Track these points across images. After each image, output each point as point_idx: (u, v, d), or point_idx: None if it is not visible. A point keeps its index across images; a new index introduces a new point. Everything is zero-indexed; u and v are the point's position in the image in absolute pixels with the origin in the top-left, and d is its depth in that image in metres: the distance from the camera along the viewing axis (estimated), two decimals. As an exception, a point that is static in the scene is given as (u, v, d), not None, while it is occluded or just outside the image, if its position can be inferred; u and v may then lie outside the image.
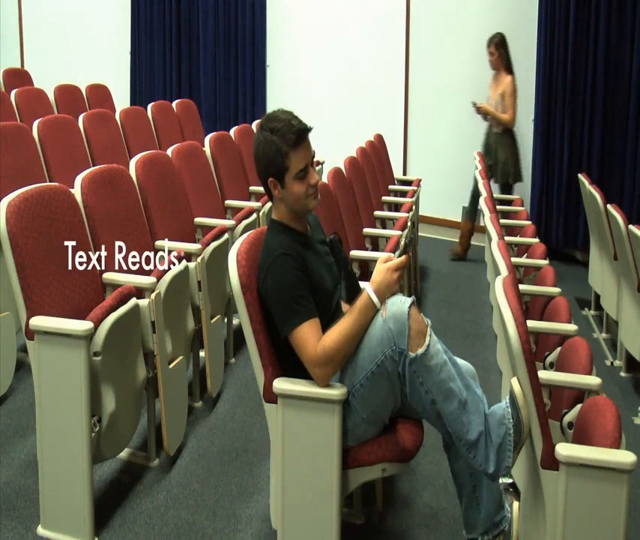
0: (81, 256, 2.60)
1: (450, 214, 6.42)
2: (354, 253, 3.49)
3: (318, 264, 2.15)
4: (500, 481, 2.62)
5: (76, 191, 2.80)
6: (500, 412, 2.04)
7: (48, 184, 3.10)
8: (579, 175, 4.94)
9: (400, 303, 2.01)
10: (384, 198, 4.87)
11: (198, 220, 3.70)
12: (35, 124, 3.99)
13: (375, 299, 2.01)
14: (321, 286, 2.11)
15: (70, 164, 3.97)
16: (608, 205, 3.95)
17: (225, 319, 3.67)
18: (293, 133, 2.04)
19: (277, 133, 2.04)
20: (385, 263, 2.05)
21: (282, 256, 2.04)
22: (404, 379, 2.00)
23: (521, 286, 2.91)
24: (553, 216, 6.01)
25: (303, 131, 2.06)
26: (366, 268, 3.46)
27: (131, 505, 2.60)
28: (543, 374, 2.25)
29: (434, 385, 2.00)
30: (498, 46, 5.50)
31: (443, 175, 6.41)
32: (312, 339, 2.00)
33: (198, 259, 3.12)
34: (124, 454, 2.82)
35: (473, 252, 5.93)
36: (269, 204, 4.20)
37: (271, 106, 6.78)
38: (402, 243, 3.71)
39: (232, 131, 4.79)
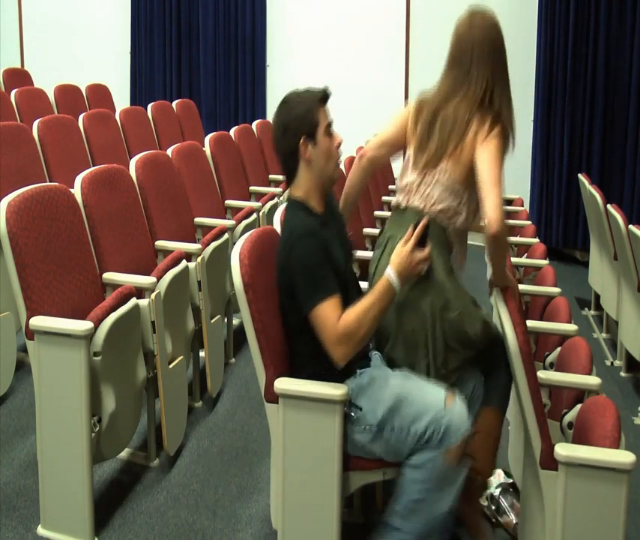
0: (81, 256, 2.60)
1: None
2: (356, 253, 3.49)
3: (334, 243, 2.13)
4: (501, 481, 2.62)
5: (76, 191, 2.80)
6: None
7: (48, 184, 3.10)
8: (579, 175, 4.94)
9: (463, 418, 2.00)
10: (384, 198, 4.87)
11: (198, 220, 3.70)
12: (35, 124, 3.99)
13: (395, 283, 2.00)
14: (338, 267, 2.09)
15: (70, 164, 3.96)
16: (608, 205, 3.95)
17: (225, 319, 3.67)
18: (319, 92, 2.12)
19: (303, 94, 2.12)
20: (405, 246, 2.03)
21: (306, 235, 2.04)
22: (408, 449, 2.01)
23: (521, 286, 2.91)
24: (553, 216, 6.01)
25: (326, 91, 2.14)
26: (366, 268, 3.45)
27: (131, 505, 2.60)
28: (543, 374, 2.25)
29: (418, 486, 2.01)
30: None
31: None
32: (333, 316, 1.97)
33: (198, 259, 3.12)
34: (124, 454, 2.82)
35: (473, 252, 5.92)
36: (269, 204, 4.20)
37: (271, 106, 6.77)
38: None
39: (232, 131, 4.79)
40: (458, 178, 2.24)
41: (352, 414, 2.06)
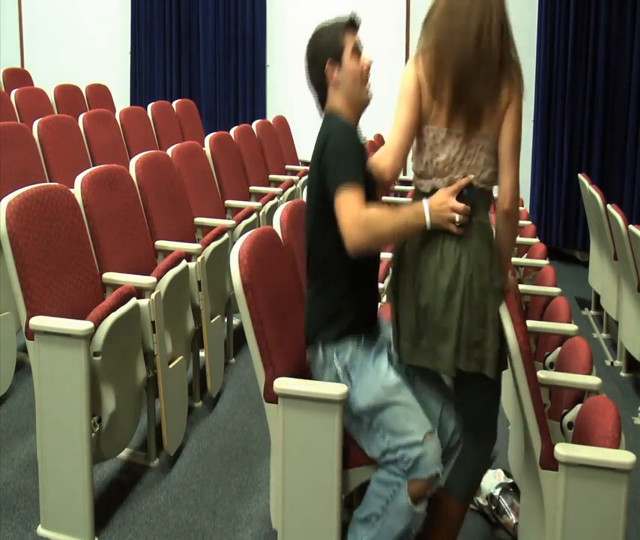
0: (81, 256, 2.60)
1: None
2: None
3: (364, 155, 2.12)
4: (501, 481, 2.62)
5: (76, 191, 2.80)
6: None
7: (48, 184, 3.10)
8: (579, 176, 4.94)
9: (436, 459, 1.98)
10: (385, 198, 4.86)
11: (198, 220, 3.70)
12: (35, 124, 3.99)
13: (427, 215, 1.93)
14: (366, 173, 2.04)
15: (70, 164, 3.96)
16: (608, 205, 3.96)
17: (225, 319, 3.67)
18: (345, 18, 2.14)
19: (330, 23, 2.16)
20: (447, 190, 1.97)
21: (344, 127, 2.06)
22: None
23: (521, 286, 2.91)
24: (553, 216, 6.01)
25: (353, 17, 2.15)
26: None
27: (131, 505, 2.60)
28: (543, 374, 2.25)
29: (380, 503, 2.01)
30: None
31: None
32: (358, 200, 1.91)
33: (198, 259, 3.12)
34: (124, 454, 2.82)
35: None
36: (269, 204, 4.20)
37: (271, 106, 6.77)
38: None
39: (232, 131, 4.79)
40: (497, 138, 1.99)
41: (342, 382, 2.05)
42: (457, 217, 1.94)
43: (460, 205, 1.94)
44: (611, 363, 4.06)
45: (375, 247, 2.04)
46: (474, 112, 1.95)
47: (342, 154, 1.98)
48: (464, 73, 1.93)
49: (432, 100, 1.99)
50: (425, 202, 1.95)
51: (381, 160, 2.01)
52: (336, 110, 2.11)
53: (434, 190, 2.01)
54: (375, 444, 2.02)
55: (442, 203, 1.95)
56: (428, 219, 1.94)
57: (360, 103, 2.14)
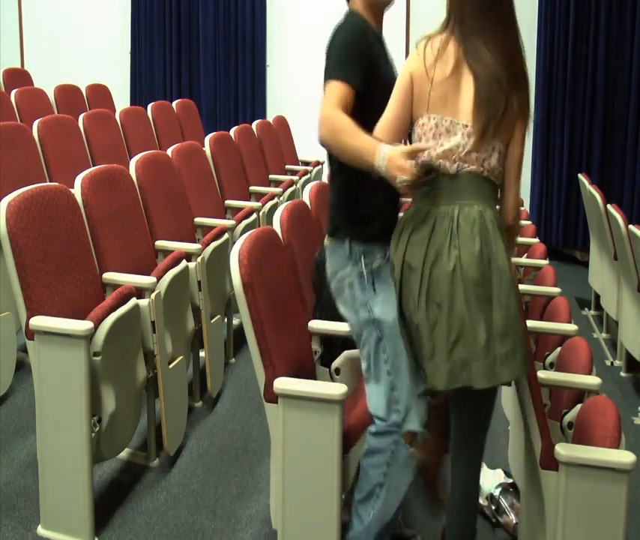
0: (81, 256, 2.60)
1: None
2: None
3: (382, 60, 2.13)
4: (501, 481, 2.62)
5: (76, 191, 2.80)
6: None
7: (48, 184, 3.10)
8: (579, 175, 4.94)
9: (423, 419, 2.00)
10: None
11: (198, 220, 3.70)
12: (35, 124, 3.99)
13: (379, 158, 1.80)
14: (386, 80, 2.04)
15: (70, 164, 3.96)
16: (608, 205, 3.95)
17: (225, 319, 3.67)
18: None
19: None
20: (404, 149, 1.85)
21: (354, 26, 2.05)
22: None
23: (521, 286, 2.91)
24: (553, 216, 6.01)
25: None
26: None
27: (131, 505, 2.60)
28: (543, 374, 2.25)
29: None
30: None
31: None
32: (337, 100, 1.91)
33: (198, 259, 3.12)
34: (124, 454, 2.82)
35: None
36: (269, 204, 4.20)
37: (271, 106, 6.77)
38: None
39: (232, 131, 4.79)
40: (508, 141, 1.93)
41: (365, 283, 2.02)
42: (401, 177, 1.78)
43: (410, 169, 1.77)
44: (611, 363, 4.06)
45: (334, 152, 1.95)
46: (490, 116, 1.88)
47: (342, 50, 2.00)
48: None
49: (429, 89, 1.90)
50: (384, 147, 1.82)
51: None
52: (355, 10, 2.12)
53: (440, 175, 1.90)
54: (377, 367, 2.02)
55: (396, 158, 1.79)
56: (377, 162, 1.81)
57: (379, 2, 2.13)
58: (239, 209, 3.97)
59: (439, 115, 1.91)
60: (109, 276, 2.78)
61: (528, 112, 1.95)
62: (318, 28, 6.72)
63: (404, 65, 1.99)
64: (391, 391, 2.01)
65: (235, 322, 3.86)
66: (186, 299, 3.04)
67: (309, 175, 5.14)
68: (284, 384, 2.06)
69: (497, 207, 1.97)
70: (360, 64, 1.98)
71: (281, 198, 4.43)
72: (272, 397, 2.08)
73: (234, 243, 2.22)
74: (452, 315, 1.82)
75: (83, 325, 2.27)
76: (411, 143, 2.00)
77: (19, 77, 6.12)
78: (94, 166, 3.87)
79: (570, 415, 2.18)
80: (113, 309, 2.42)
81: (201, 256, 3.16)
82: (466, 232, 1.85)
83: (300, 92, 6.60)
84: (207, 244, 3.28)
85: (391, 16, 2.27)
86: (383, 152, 1.81)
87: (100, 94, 6.09)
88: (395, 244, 1.95)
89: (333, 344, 2.44)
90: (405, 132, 1.99)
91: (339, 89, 1.93)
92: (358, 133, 1.86)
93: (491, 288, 1.83)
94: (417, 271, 1.87)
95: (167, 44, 6.97)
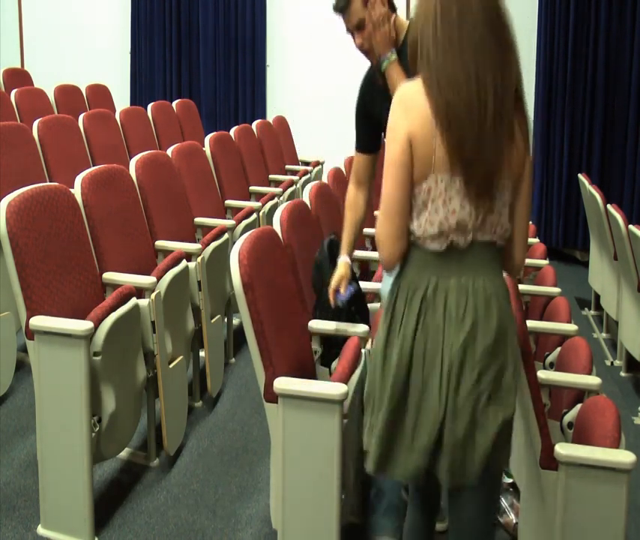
0: (81, 256, 2.60)
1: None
2: (355, 252, 3.49)
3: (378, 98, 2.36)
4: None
5: (76, 191, 2.80)
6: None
7: (48, 184, 3.10)
8: (579, 175, 4.94)
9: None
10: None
11: (198, 220, 3.70)
12: (35, 124, 3.99)
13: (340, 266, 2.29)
14: (376, 116, 2.35)
15: (70, 164, 3.96)
16: (608, 205, 3.95)
17: (225, 319, 3.67)
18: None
19: None
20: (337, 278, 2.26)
21: (363, 81, 2.53)
22: None
23: (521, 286, 2.91)
24: (553, 216, 6.00)
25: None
26: (366, 268, 3.46)
27: (131, 505, 2.60)
28: (543, 374, 2.25)
29: None
30: None
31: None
32: (353, 171, 2.44)
33: (198, 259, 3.12)
34: (124, 454, 2.82)
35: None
36: (269, 204, 4.20)
37: (271, 106, 6.77)
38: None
39: (232, 131, 4.78)
40: (512, 187, 1.65)
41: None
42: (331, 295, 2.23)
43: (331, 294, 2.23)
44: (611, 363, 4.06)
45: None
46: (493, 160, 1.59)
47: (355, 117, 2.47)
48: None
49: (431, 150, 1.57)
50: (342, 257, 2.33)
51: (381, 250, 1.70)
52: None
53: (452, 246, 1.62)
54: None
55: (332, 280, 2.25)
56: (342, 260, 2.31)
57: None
58: (239, 209, 3.97)
59: (447, 176, 1.58)
60: (109, 276, 2.78)
61: (528, 143, 1.66)
62: (318, 28, 6.74)
63: (389, 129, 1.63)
64: None
65: (235, 322, 3.86)
66: (186, 299, 3.04)
67: (309, 175, 5.14)
68: (284, 384, 2.06)
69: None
70: (362, 126, 2.44)
71: (281, 198, 4.43)
72: (272, 397, 2.08)
73: (234, 243, 2.22)
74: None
75: (83, 325, 2.27)
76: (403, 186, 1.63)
77: (19, 77, 6.12)
78: (94, 166, 3.87)
79: (570, 415, 2.19)
80: (113, 309, 2.42)
81: (201, 256, 3.16)
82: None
83: (300, 92, 6.60)
84: (207, 244, 3.28)
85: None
86: (340, 260, 2.31)
87: (100, 94, 6.09)
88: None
89: (333, 344, 2.44)
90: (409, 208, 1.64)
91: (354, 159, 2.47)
92: (345, 225, 2.40)
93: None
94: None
95: (167, 44, 6.96)
